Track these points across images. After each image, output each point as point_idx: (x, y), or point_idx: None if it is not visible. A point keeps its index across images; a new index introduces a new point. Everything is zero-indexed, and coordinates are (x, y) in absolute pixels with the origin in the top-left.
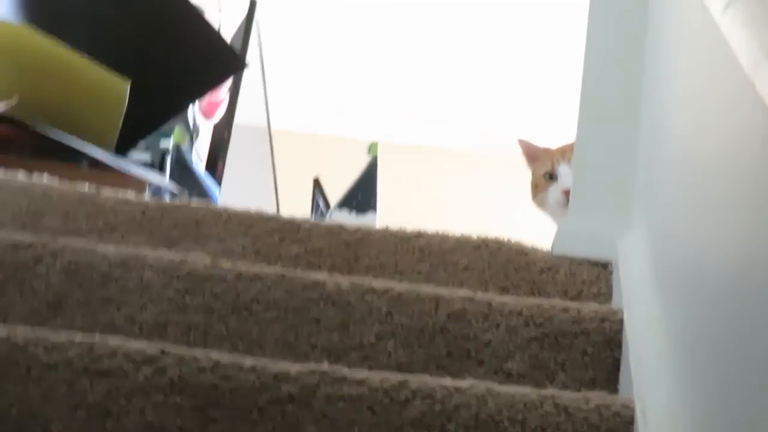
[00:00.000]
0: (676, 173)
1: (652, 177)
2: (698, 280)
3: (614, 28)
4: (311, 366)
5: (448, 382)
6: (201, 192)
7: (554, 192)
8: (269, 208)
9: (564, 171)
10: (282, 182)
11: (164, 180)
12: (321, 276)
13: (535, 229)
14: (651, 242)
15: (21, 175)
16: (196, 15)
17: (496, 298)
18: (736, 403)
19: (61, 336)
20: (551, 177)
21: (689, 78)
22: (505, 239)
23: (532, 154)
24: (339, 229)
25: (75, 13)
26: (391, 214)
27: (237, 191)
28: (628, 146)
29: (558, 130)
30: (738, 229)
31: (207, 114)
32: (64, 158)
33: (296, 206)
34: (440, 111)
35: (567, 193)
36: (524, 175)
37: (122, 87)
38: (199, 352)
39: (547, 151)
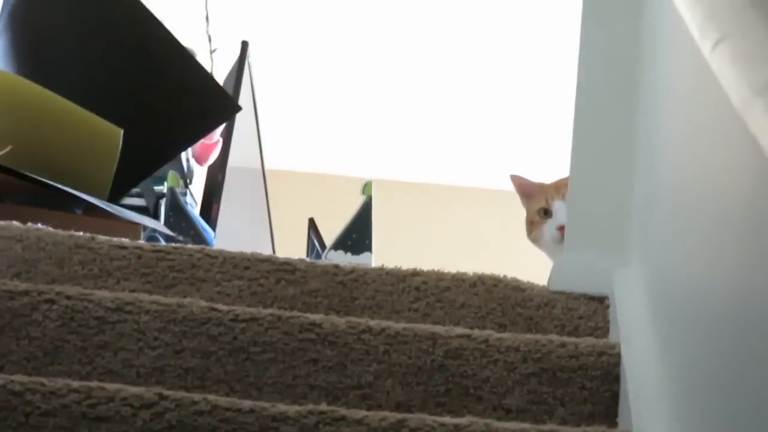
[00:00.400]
0: (671, 207)
1: (648, 210)
2: (694, 313)
3: (606, 61)
4: (309, 407)
5: (447, 419)
6: (196, 235)
7: (549, 228)
8: (265, 249)
9: (559, 207)
10: (277, 222)
11: (159, 224)
12: (317, 317)
13: (533, 265)
14: (647, 276)
15: (16, 223)
16: (189, 59)
17: (494, 335)
18: None
19: (58, 382)
20: (546, 213)
21: (683, 113)
22: (502, 276)
23: (526, 191)
24: (335, 270)
25: (66, 60)
26: (387, 251)
27: (232, 233)
28: (623, 180)
29: (554, 164)
30: (732, 263)
31: (200, 158)
32: (59, 206)
33: (292, 246)
34: (435, 147)
35: (562, 229)
36: (520, 210)
37: (115, 135)
38: (196, 396)
39: (541, 186)
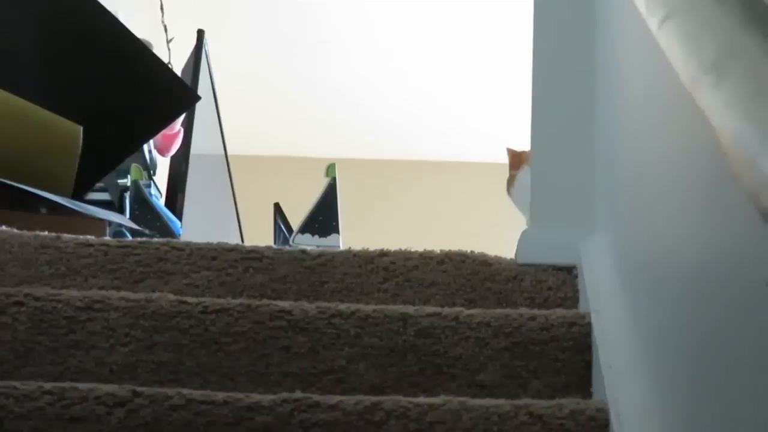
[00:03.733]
0: (632, 177)
1: (611, 180)
2: (661, 280)
3: (562, 36)
4: (284, 395)
5: (422, 399)
6: (162, 226)
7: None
8: (233, 236)
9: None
10: (243, 208)
11: (124, 218)
12: (287, 304)
13: (503, 235)
14: (614, 244)
15: None
16: (145, 51)
17: (464, 312)
18: (707, 400)
19: (31, 385)
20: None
21: (638, 85)
22: (469, 251)
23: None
24: (302, 255)
25: (21, 59)
26: (355, 230)
27: (199, 222)
28: (585, 150)
29: (520, 136)
30: (691, 231)
31: (163, 149)
32: (22, 206)
33: (259, 231)
34: (397, 123)
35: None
36: (486, 182)
37: (75, 132)
38: (170, 391)
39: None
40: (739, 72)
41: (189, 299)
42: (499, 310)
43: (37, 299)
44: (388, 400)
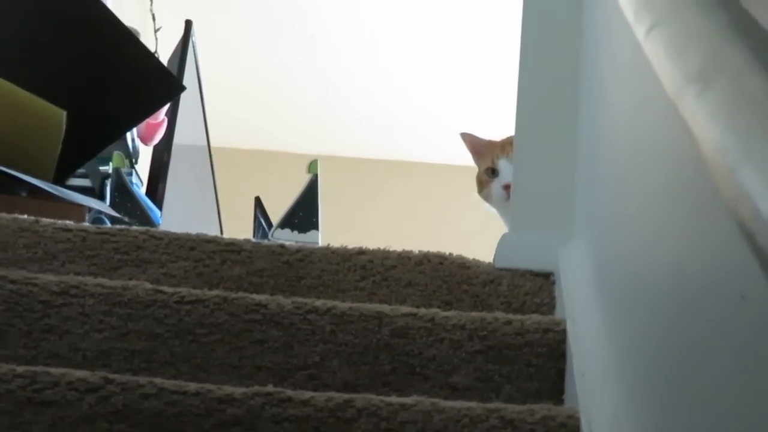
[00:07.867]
0: (612, 185)
1: (591, 187)
2: (637, 290)
3: (548, 40)
4: (256, 388)
5: (394, 399)
6: (142, 215)
7: (496, 187)
8: (212, 228)
9: (504, 166)
10: (224, 201)
11: (104, 205)
12: (263, 297)
13: (482, 239)
14: (592, 252)
15: None
16: (132, 39)
17: (440, 313)
18: (679, 411)
19: (3, 368)
20: (493, 173)
21: (621, 92)
22: (447, 253)
23: (477, 148)
24: (280, 250)
25: (7, 42)
26: (334, 228)
27: (179, 213)
28: (567, 157)
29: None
30: (670, 242)
31: (146, 138)
32: (2, 189)
33: (239, 225)
34: (380, 122)
35: (507, 187)
36: (467, 185)
37: (59, 117)
38: (142, 379)
39: (489, 144)
40: (724, 83)
41: (165, 289)
42: (474, 313)
43: (12, 282)
44: (360, 398)
